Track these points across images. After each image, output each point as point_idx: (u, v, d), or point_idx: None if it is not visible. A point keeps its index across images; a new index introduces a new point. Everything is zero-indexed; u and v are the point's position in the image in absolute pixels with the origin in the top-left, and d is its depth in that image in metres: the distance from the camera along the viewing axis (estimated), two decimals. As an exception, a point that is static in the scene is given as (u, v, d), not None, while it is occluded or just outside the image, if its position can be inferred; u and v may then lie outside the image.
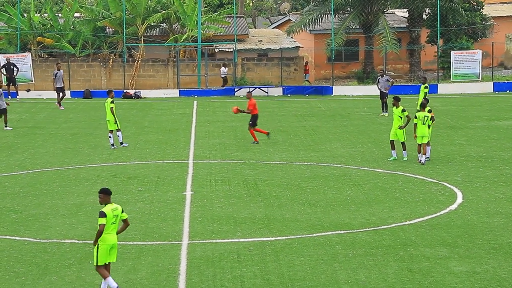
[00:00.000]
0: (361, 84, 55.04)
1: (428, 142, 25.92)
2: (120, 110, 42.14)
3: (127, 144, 29.90)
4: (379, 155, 26.58)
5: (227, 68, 53.76)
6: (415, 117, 25.70)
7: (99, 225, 13.05)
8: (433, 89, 50.53)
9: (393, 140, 26.28)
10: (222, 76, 53.43)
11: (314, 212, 19.25)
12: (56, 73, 44.26)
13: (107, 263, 13.25)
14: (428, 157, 26.00)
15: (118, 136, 29.77)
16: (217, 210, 19.56)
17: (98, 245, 13.10)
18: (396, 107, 26.28)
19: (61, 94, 44.02)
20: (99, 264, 13.16)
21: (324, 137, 32.24)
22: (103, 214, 13.11)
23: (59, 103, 43.86)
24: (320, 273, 14.43)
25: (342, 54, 60.00)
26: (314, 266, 14.81)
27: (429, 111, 26.06)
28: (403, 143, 26.21)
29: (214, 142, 31.03)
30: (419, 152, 25.71)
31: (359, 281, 13.95)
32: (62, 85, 44.39)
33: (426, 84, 37.03)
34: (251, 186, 22.49)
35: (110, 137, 29.76)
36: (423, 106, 25.90)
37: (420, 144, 25.62)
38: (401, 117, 26.15)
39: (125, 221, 13.54)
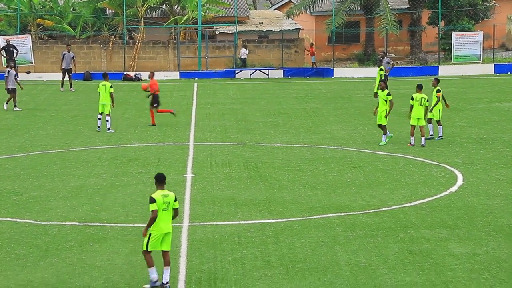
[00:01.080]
0: (362, 66, 54.93)
1: (439, 121, 26.42)
2: (121, 93, 42.10)
3: (114, 131, 29.52)
4: (380, 137, 26.55)
5: (248, 50, 53.28)
6: (412, 99, 25.68)
7: (151, 211, 12.62)
8: (434, 71, 50.43)
9: (381, 124, 25.95)
10: (242, 58, 52.95)
11: (315, 194, 19.26)
12: (64, 54, 44.47)
13: (160, 251, 12.81)
14: (441, 136, 26.54)
15: (108, 121, 29.47)
16: (218, 193, 19.57)
17: (150, 232, 12.67)
18: (382, 90, 26.08)
19: (66, 76, 44.07)
20: (148, 249, 12.77)
21: (324, 119, 32.21)
22: (152, 200, 12.63)
23: (69, 84, 43.74)
24: (321, 255, 14.46)
25: (343, 35, 59.82)
26: (314, 248, 14.84)
27: (438, 91, 26.43)
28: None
29: (214, 124, 31.01)
30: (412, 135, 25.61)
31: (359, 263, 13.98)
32: (69, 67, 44.35)
33: (382, 67, 37.17)
34: (251, 168, 22.50)
35: (99, 119, 29.58)
36: (420, 88, 25.85)
37: (414, 126, 25.52)
38: (385, 101, 25.86)
39: (175, 211, 12.93)
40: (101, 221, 16.95)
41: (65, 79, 44.06)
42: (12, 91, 35.51)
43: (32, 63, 51.00)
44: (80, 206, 18.32)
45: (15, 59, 47.36)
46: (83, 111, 35.25)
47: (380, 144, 25.85)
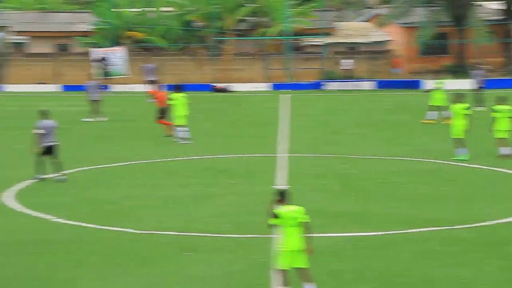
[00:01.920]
0: (453, 78, 54.11)
1: None
2: (210, 104, 42.47)
3: (186, 142, 29.56)
4: (474, 150, 26.05)
5: (351, 60, 52.98)
6: (494, 111, 25.19)
7: (271, 225, 12.36)
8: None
9: (459, 138, 25.33)
10: (345, 68, 52.69)
11: (408, 207, 18.97)
12: (145, 67, 45.39)
13: (294, 268, 12.37)
14: None
15: (181, 131, 29.55)
16: (310, 204, 19.36)
17: (279, 250, 12.31)
18: (460, 103, 25.34)
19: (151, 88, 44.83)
20: (278, 267, 12.46)
21: (415, 131, 31.79)
22: (275, 215, 12.20)
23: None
24: (417, 269, 14.19)
25: (433, 47, 59.06)
26: (409, 262, 14.58)
27: None
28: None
29: (303, 136, 30.93)
30: (501, 146, 25.03)
31: (457, 278, 13.66)
32: (153, 79, 45.09)
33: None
34: (343, 180, 22.33)
35: (179, 131, 29.70)
36: (502, 100, 25.38)
37: (503, 139, 25.00)
38: (465, 114, 25.19)
39: (304, 225, 12.35)
40: (194, 231, 17.02)
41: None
42: (95, 103, 36.16)
43: (126, 74, 51.86)
44: (173, 216, 18.46)
45: (108, 71, 48.44)
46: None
47: (459, 158, 25.13)
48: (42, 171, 22.31)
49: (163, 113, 31.00)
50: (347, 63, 52.65)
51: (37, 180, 22.20)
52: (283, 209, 12.38)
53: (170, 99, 29.98)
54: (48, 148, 22.38)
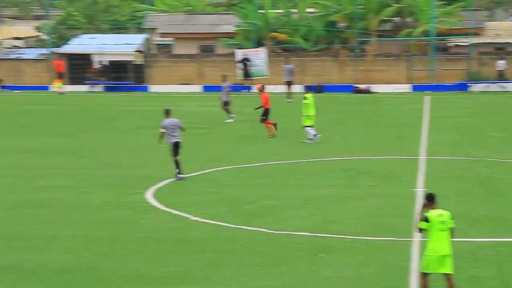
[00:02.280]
0: None
1: None
2: (351, 105, 42.19)
3: (312, 142, 29.62)
4: None
5: (505, 61, 51.54)
6: None
7: (420, 228, 12.28)
8: None
9: None
10: (499, 70, 51.34)
11: (555, 213, 18.17)
12: (284, 67, 46.20)
13: (441, 273, 12.28)
14: None
15: (310, 132, 29.62)
16: (450, 209, 18.84)
17: (425, 254, 12.31)
18: None
19: (289, 88, 45.63)
20: (421, 270, 12.44)
21: None
22: (425, 218, 12.15)
23: (287, 95, 45.12)
24: None
25: None
26: (555, 271, 13.94)
27: None
28: None
29: (446, 138, 30.19)
30: None
31: None
32: (289, 79, 45.87)
33: None
34: (486, 184, 21.62)
35: (310, 131, 29.73)
36: None
37: None
38: None
39: (451, 230, 12.30)
40: (330, 232, 16.89)
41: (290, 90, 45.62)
42: (226, 104, 36.52)
43: (267, 75, 52.26)
44: (310, 216, 18.38)
45: (250, 72, 49.05)
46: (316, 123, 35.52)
47: None
48: (181, 169, 22.75)
49: (267, 114, 31.24)
50: (501, 64, 51.04)
51: (180, 178, 22.63)
52: (432, 213, 12.20)
53: (304, 99, 30.06)
54: (175, 145, 22.89)
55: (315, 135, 29.61)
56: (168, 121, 23.06)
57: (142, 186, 21.63)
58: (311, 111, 29.85)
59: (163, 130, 23.02)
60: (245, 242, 16.22)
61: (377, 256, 15.04)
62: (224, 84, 37.37)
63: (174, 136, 22.96)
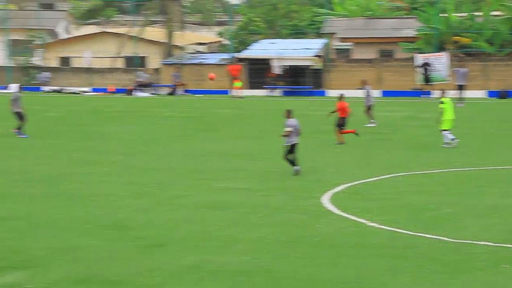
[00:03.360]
0: None
1: None
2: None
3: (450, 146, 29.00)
4: None
5: None
6: None
7: None
8: None
9: None
10: None
11: None
12: (457, 71, 45.28)
13: None
14: None
15: (447, 136, 29.13)
16: None
17: None
18: None
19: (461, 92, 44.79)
20: None
21: None
22: None
23: (458, 100, 44.17)
24: None
25: None
26: None
27: None
28: None
29: None
30: None
31: None
32: (462, 83, 45.07)
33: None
34: None
35: (447, 135, 29.21)
36: None
37: None
38: None
39: None
40: (514, 243, 16.11)
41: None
42: (369, 108, 36.34)
43: (448, 80, 51.02)
44: (493, 226, 17.63)
45: (430, 77, 48.13)
46: (497, 130, 34.35)
47: None
48: (296, 163, 23.41)
49: (343, 123, 30.33)
50: None
51: (297, 171, 23.37)
52: None
53: (441, 103, 29.27)
54: (293, 146, 23.49)
55: (452, 139, 28.82)
56: (293, 121, 23.53)
57: (319, 190, 21.53)
58: (449, 115, 29.17)
59: (290, 129, 23.39)
60: (424, 249, 15.74)
61: None
62: (366, 89, 37.11)
63: (295, 136, 23.51)
